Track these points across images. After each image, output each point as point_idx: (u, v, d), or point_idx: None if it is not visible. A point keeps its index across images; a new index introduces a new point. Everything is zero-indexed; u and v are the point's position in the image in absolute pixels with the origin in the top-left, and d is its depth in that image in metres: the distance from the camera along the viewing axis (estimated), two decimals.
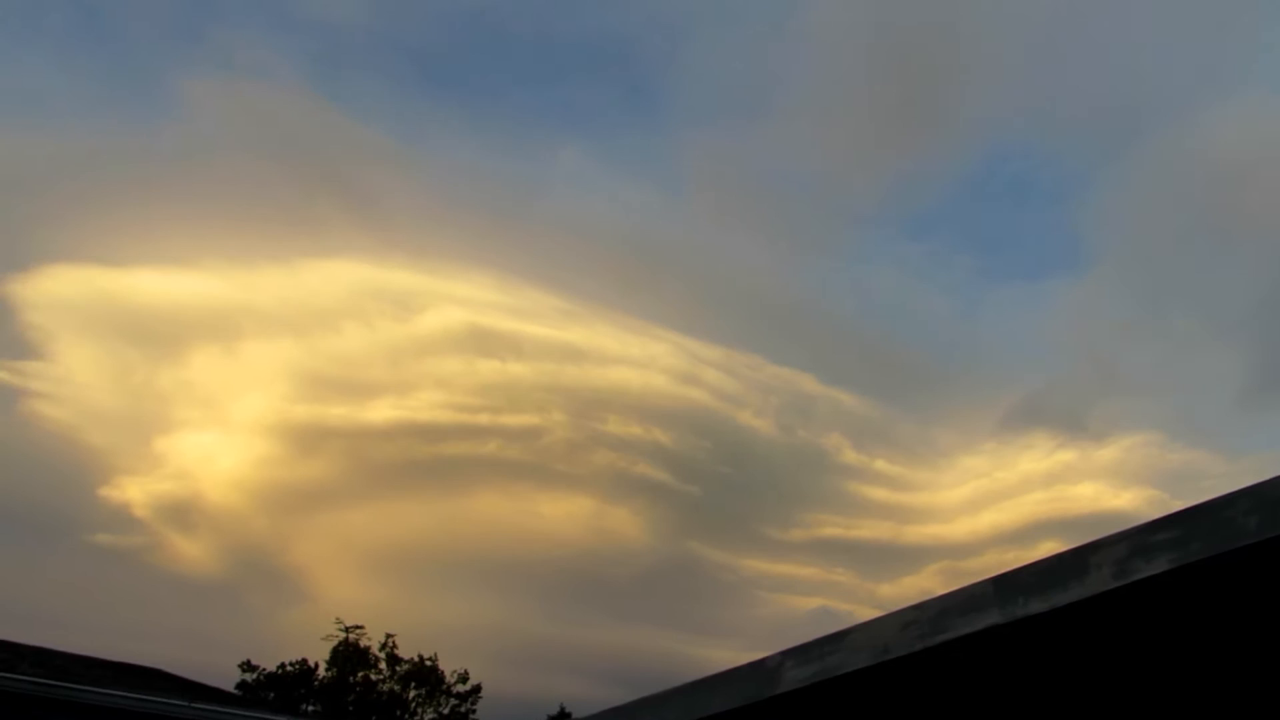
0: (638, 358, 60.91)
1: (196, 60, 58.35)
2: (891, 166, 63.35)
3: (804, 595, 60.82)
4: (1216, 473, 64.39)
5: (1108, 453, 63.09)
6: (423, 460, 56.38)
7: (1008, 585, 4.15)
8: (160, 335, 55.45)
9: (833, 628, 4.92)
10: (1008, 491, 62.68)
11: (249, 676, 34.94)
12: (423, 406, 56.34)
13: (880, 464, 64.41)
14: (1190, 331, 64.11)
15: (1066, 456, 63.38)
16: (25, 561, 48.26)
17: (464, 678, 39.08)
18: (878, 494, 63.44)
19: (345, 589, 51.08)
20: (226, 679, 34.98)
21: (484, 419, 56.75)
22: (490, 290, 60.09)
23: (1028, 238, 71.57)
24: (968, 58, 57.50)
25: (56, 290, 52.56)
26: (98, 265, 54.38)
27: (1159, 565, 3.73)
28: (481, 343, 58.63)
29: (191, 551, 52.34)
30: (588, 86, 65.87)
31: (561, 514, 58.81)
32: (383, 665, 37.27)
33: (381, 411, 55.91)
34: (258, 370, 56.88)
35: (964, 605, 4.28)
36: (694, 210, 68.48)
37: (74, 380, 52.95)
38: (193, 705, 16.58)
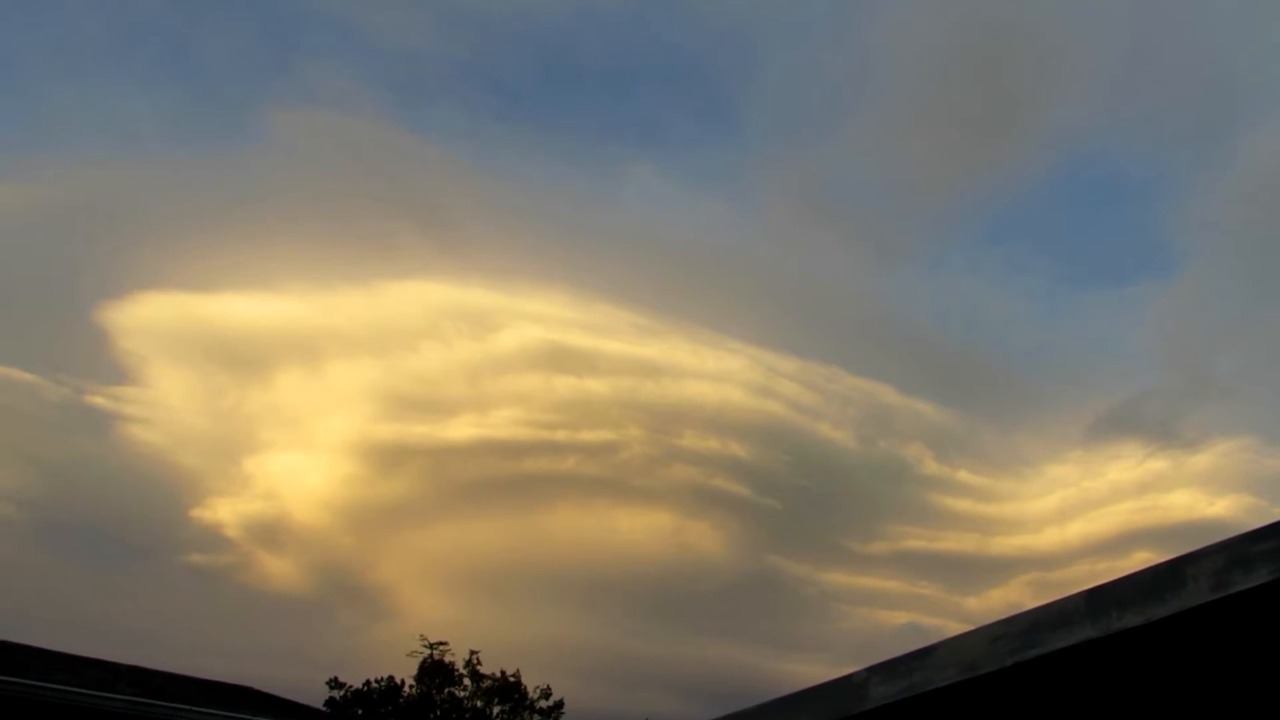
0: (714, 371, 60.80)
1: (280, 91, 60.34)
2: (970, 172, 62.42)
3: (889, 609, 59.83)
4: None
5: (1201, 460, 60.91)
6: (502, 477, 57.03)
7: (1101, 598, 4.06)
8: (247, 358, 57.14)
9: (921, 644, 4.84)
10: (1097, 501, 60.93)
11: (337, 694, 35.62)
12: (501, 424, 57.03)
13: (963, 474, 63.15)
14: None
15: (1158, 465, 61.38)
16: (122, 581, 50.04)
17: (547, 693, 39.29)
18: (961, 505, 62.22)
19: (429, 606, 51.86)
20: (315, 696, 35.73)
21: (562, 435, 57.21)
22: (566, 307, 60.64)
23: (1113, 241, 69.79)
24: (1048, 59, 56.40)
25: (148, 316, 54.57)
26: (187, 291, 56.34)
27: (1259, 576, 3.62)
28: (558, 360, 59.12)
29: (280, 570, 53.71)
30: (660, 102, 66.28)
31: (641, 529, 58.89)
32: (467, 681, 37.70)
33: (461, 429, 56.75)
34: (340, 391, 58.21)
35: (1056, 619, 4.19)
36: (768, 222, 68.29)
37: (166, 404, 54.82)
38: None
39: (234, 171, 58.41)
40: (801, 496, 61.79)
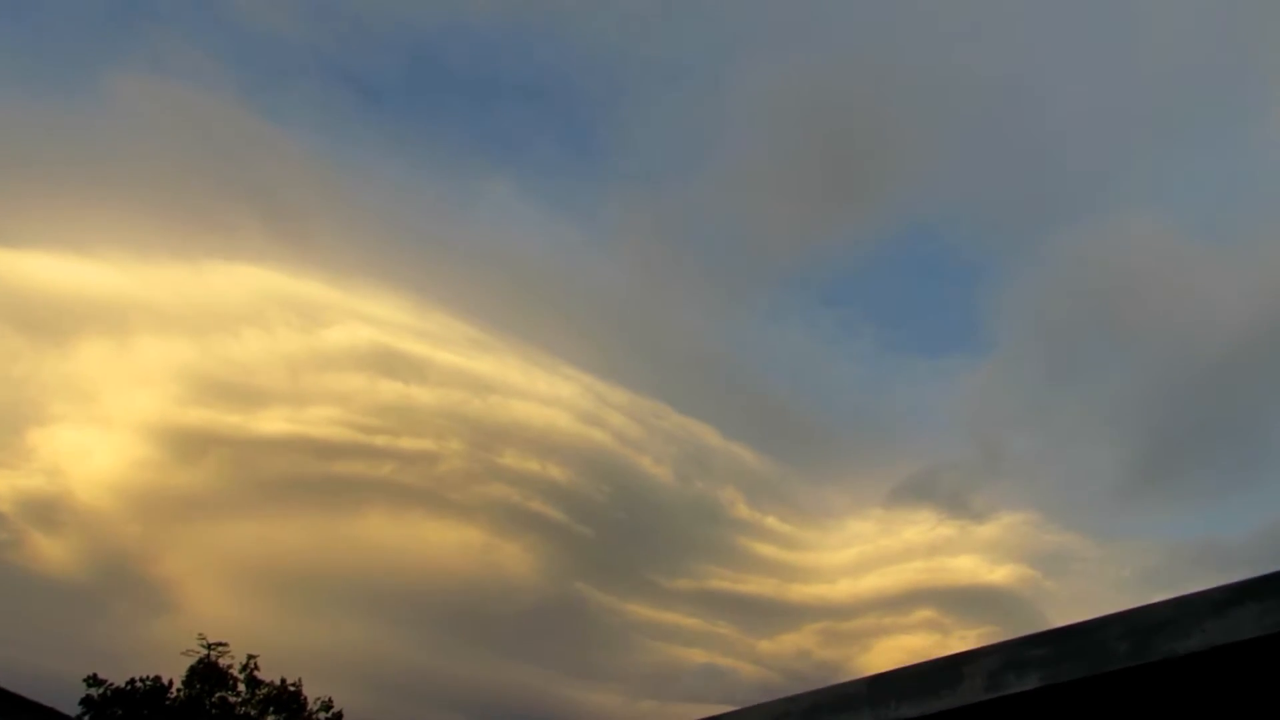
0: (543, 394, 60.62)
1: (125, 53, 56.89)
2: (814, 233, 64.90)
3: (686, 645, 60.68)
4: (1088, 555, 66.89)
5: (987, 530, 64.92)
6: (313, 477, 54.93)
7: (882, 686, 4.10)
8: (46, 322, 53.09)
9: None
10: (890, 558, 63.89)
11: (94, 691, 33.13)
12: (318, 422, 54.97)
13: (771, 521, 65.06)
14: (1075, 421, 66.70)
15: (948, 531, 64.99)
16: None
17: (327, 705, 37.70)
18: (766, 550, 64.00)
19: (215, 604, 49.13)
20: (75, 691, 33.18)
21: (380, 441, 55.64)
22: (402, 312, 59.27)
23: (934, 316, 73.99)
24: (896, 139, 59.40)
25: None
26: None
27: (1030, 681, 3.72)
28: (386, 364, 57.63)
29: (53, 552, 49.78)
30: (524, 120, 66.12)
31: (451, 544, 57.79)
32: (242, 687, 35.77)
33: (274, 423, 54.37)
34: (147, 368, 54.80)
35: (837, 703, 4.21)
36: (618, 254, 68.95)
37: None
38: None
39: (62, 127, 54.56)
40: (616, 527, 62.20)
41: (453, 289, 64.15)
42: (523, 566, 59.20)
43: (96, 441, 52.97)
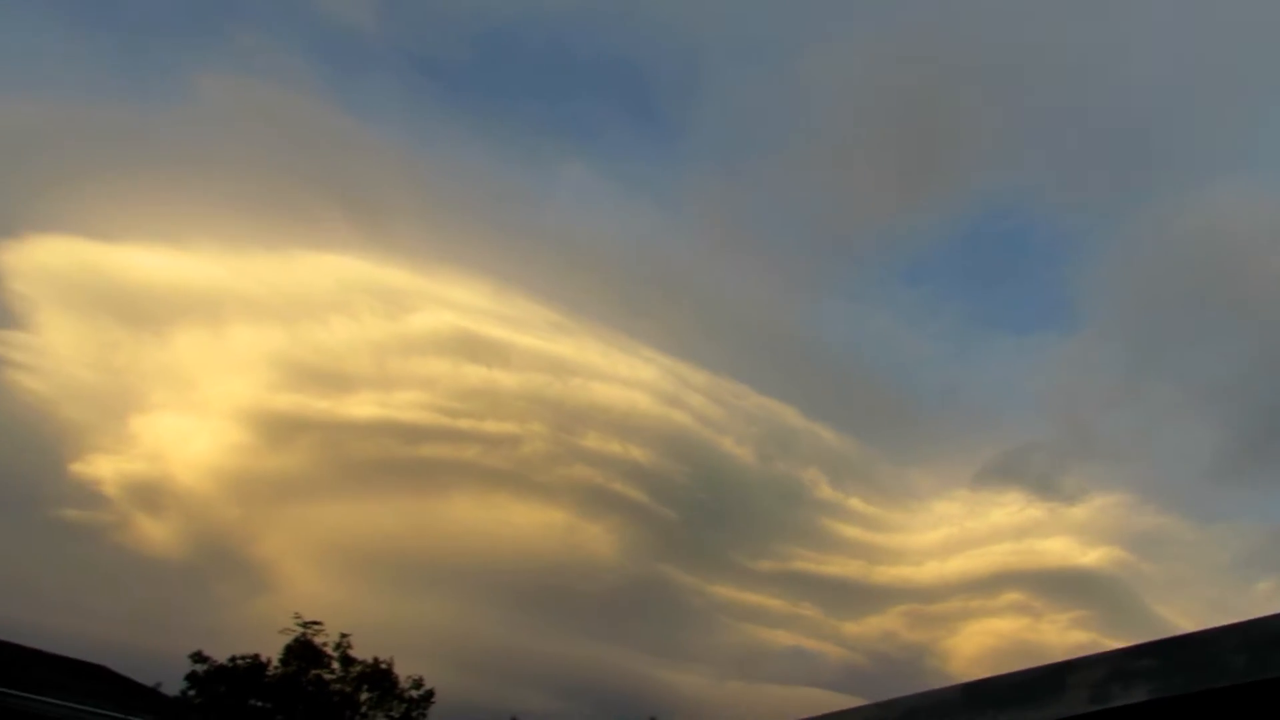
0: (624, 376, 60.76)
1: (211, 53, 58.44)
2: (894, 211, 63.65)
3: (771, 627, 60.50)
4: (1185, 538, 64.74)
5: (1079, 512, 63.17)
6: (400, 460, 56.02)
7: (978, 694, 3.97)
8: (145, 313, 55.00)
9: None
10: (977, 540, 62.68)
11: (199, 668, 34.42)
12: (405, 406, 56.02)
13: (855, 502, 64.30)
14: (1170, 400, 64.48)
15: (1037, 513, 63.45)
16: None
17: (418, 684, 38.61)
18: (850, 531, 63.32)
19: (309, 584, 50.57)
20: (179, 668, 34.52)
21: (465, 424, 56.45)
22: (483, 297, 59.92)
23: (1019, 293, 72.02)
24: (976, 111, 57.84)
25: (44, 260, 52.11)
26: (88, 238, 53.97)
27: (1139, 694, 3.56)
28: (470, 348, 58.36)
29: (157, 534, 51.74)
30: (599, 104, 66.06)
31: (535, 525, 58.48)
32: (336, 665, 36.81)
33: (362, 408, 55.57)
34: (240, 356, 56.45)
35: (931, 710, 4.10)
36: (695, 236, 68.60)
37: (55, 352, 52.41)
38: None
39: (154, 126, 56.33)
40: (698, 508, 62.18)
41: (532, 273, 64.65)
42: (606, 547, 59.64)
43: (194, 427, 54.84)
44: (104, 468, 50.00)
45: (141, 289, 54.66)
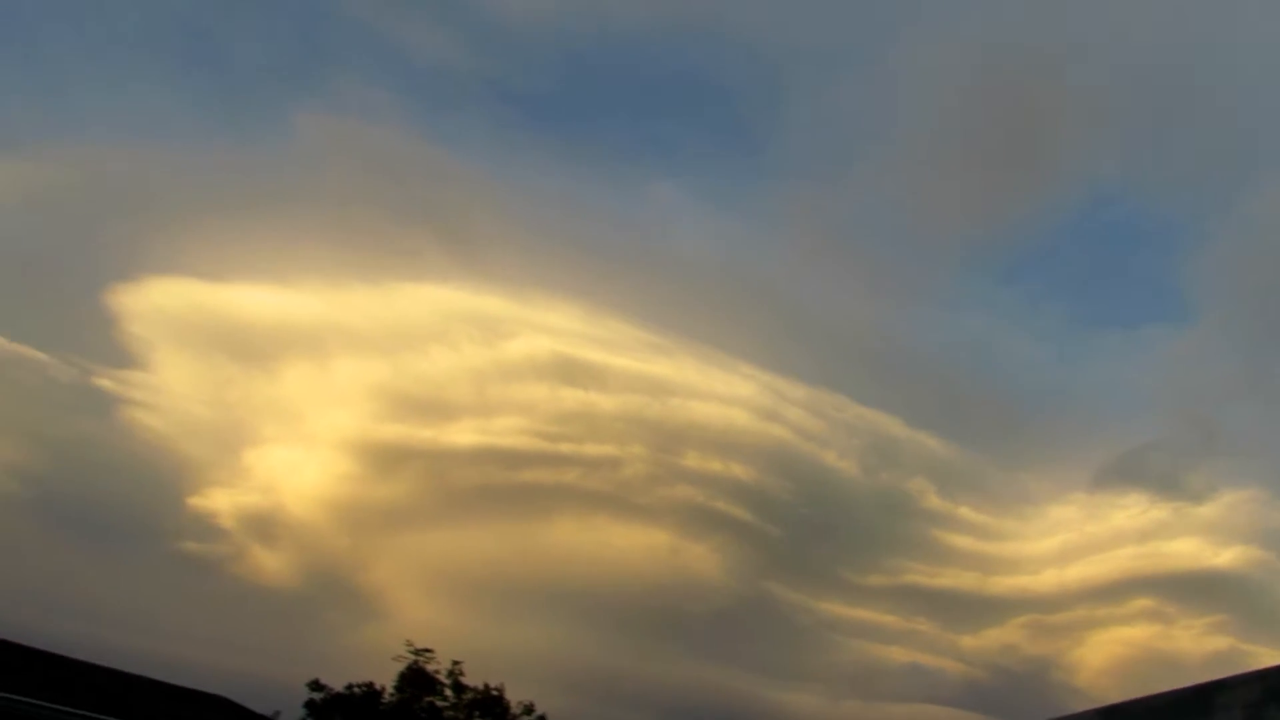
0: (721, 393, 60.43)
1: (308, 94, 60.68)
2: (988, 211, 62.10)
3: (885, 643, 59.20)
4: None
5: (1208, 510, 60.28)
6: (502, 486, 56.65)
7: (1118, 718, 3.65)
8: (254, 350, 56.96)
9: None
10: (1099, 545, 60.34)
11: (316, 696, 35.12)
12: (505, 432, 56.69)
13: (965, 511, 62.62)
14: None
15: (1161, 514, 60.80)
16: (115, 562, 49.70)
17: (530, 709, 38.65)
18: (962, 542, 61.66)
19: (419, 610, 51.37)
20: (296, 695, 35.27)
21: (565, 448, 56.82)
22: (577, 320, 60.39)
23: (1126, 286, 69.54)
24: (1070, 104, 56.11)
25: (159, 301, 54.42)
26: (199, 279, 56.21)
27: None
28: (566, 371, 58.81)
29: (272, 564, 53.33)
30: (683, 122, 66.24)
31: (638, 547, 58.40)
32: (448, 692, 37.13)
33: (464, 435, 56.43)
34: (345, 388, 57.95)
35: None
36: (785, 248, 68.06)
37: (171, 390, 54.64)
38: None
39: (255, 168, 58.61)
40: (802, 524, 61.31)
41: (625, 294, 64.88)
42: (711, 567, 59.18)
43: (304, 458, 56.43)
44: (220, 501, 51.84)
45: (250, 326, 56.68)
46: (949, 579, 60.12)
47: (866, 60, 57.54)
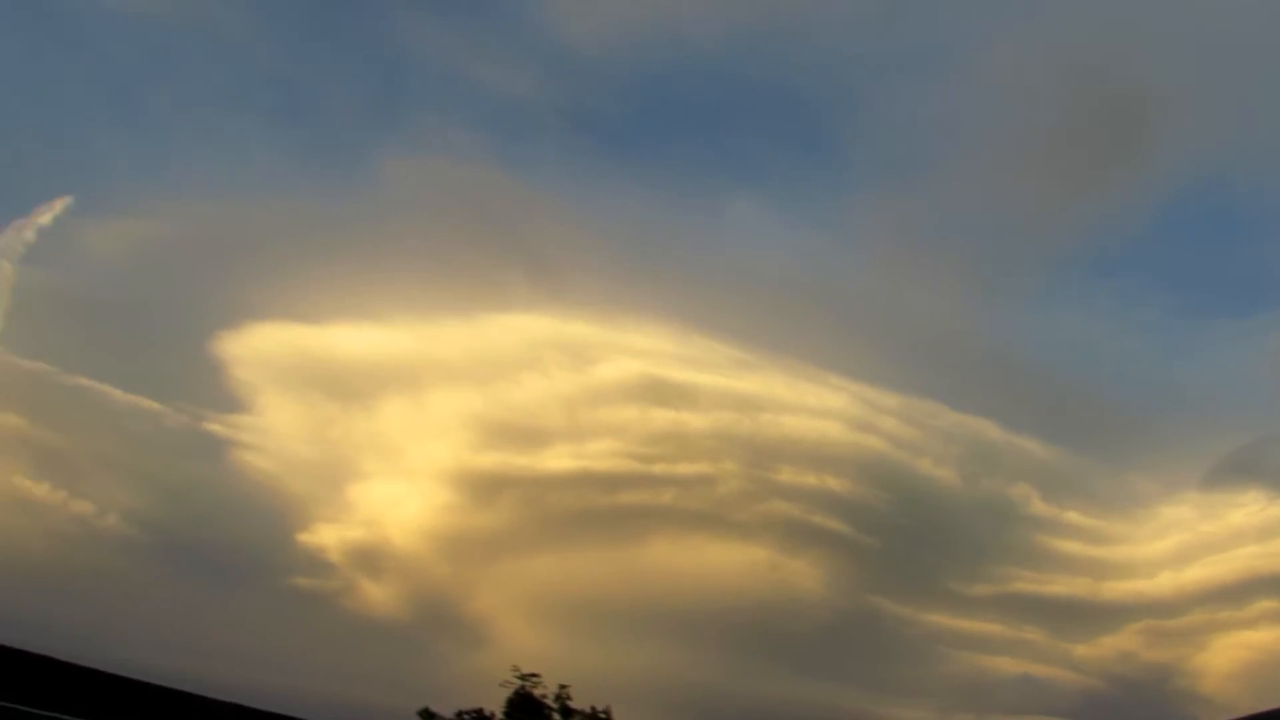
0: (812, 406, 60.03)
1: (391, 138, 62.72)
2: (1079, 205, 60.61)
3: (994, 654, 57.75)
4: None
5: None
6: (598, 509, 57.20)
7: None
8: (353, 387, 58.73)
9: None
10: (1216, 545, 57.95)
11: None
12: (599, 456, 57.25)
13: (1072, 515, 60.87)
14: None
15: None
16: (231, 600, 51.59)
17: None
18: (1070, 547, 59.94)
19: (523, 636, 52.11)
20: None
21: (658, 468, 57.11)
22: (664, 341, 60.76)
23: (1233, 273, 66.97)
24: (1161, 91, 54.52)
25: (261, 346, 56.61)
26: (297, 322, 58.29)
27: None
28: (656, 392, 59.16)
29: (379, 596, 54.76)
30: (759, 136, 66.29)
31: (737, 564, 58.23)
32: (556, 717, 37.47)
33: (559, 461, 57.17)
34: (441, 420, 59.28)
35: None
36: (869, 256, 67.46)
37: (276, 431, 56.69)
38: None
39: (345, 212, 60.78)
40: (902, 535, 60.35)
41: (710, 312, 65.06)
42: (811, 582, 58.65)
43: (405, 491, 57.86)
44: (327, 536, 53.51)
45: (348, 364, 58.49)
46: (1059, 585, 58.49)
47: (943, 62, 56.92)
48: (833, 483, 59.18)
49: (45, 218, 57.47)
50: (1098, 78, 52.64)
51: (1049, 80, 53.69)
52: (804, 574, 58.94)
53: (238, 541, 53.70)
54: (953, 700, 55.63)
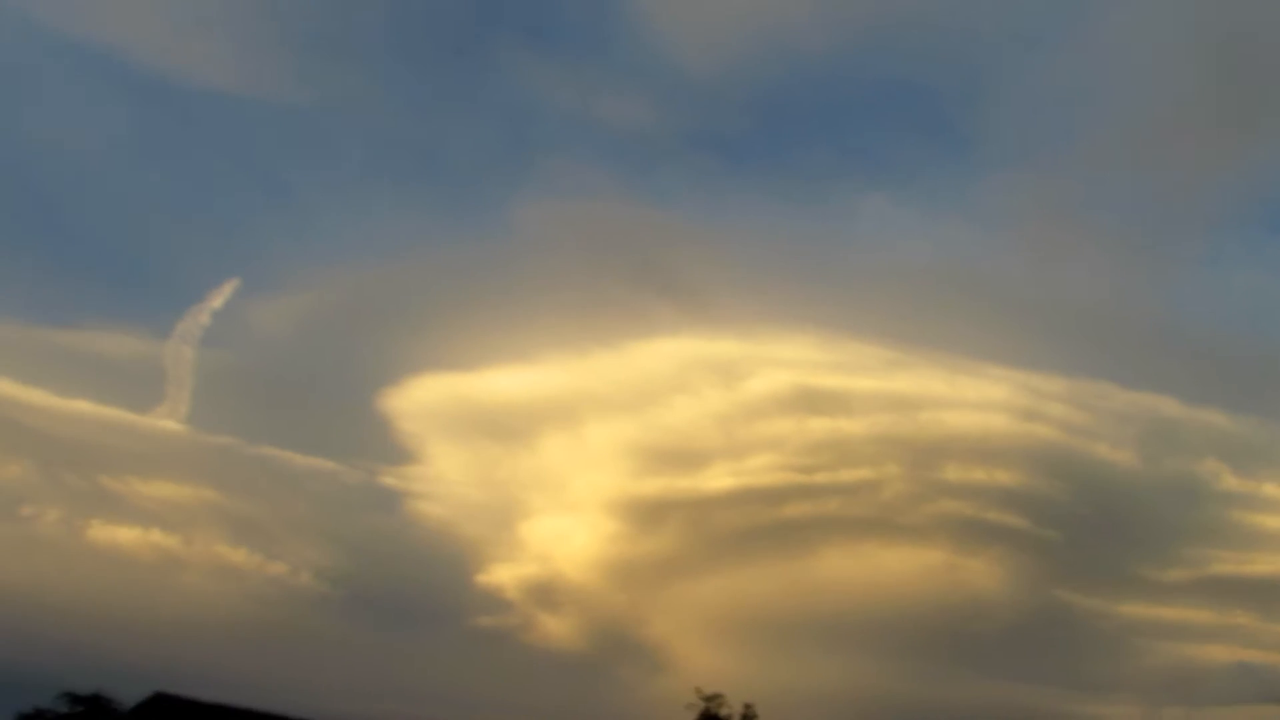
0: (972, 399, 58.60)
1: (523, 185, 65.25)
2: (1233, 164, 57.48)
3: (1200, 642, 54.78)
4: None
5: None
6: (764, 524, 57.15)
7: None
8: (513, 428, 60.82)
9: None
10: None
11: None
12: (759, 470, 57.28)
13: (1269, 488, 57.43)
14: None
15: None
16: (419, 645, 53.83)
17: None
18: (1271, 522, 56.47)
19: (702, 657, 52.39)
20: None
21: (820, 478, 56.73)
22: (812, 349, 60.51)
23: None
24: None
25: (423, 398, 59.32)
26: (454, 371, 60.88)
27: None
28: (809, 401, 58.91)
29: (558, 629, 56.15)
30: (885, 131, 65.56)
31: (911, 568, 57.12)
32: None
33: (719, 479, 57.48)
34: (600, 451, 60.59)
35: None
36: (1015, 240, 65.74)
37: (445, 478, 59.19)
38: None
39: (486, 260, 63.37)
40: (1083, 524, 58.05)
41: (855, 314, 64.54)
42: (992, 581, 56.92)
43: (572, 524, 59.25)
44: (503, 575, 55.34)
45: (505, 407, 60.60)
46: (1263, 564, 55.06)
47: (1071, 29, 54.90)
48: (1003, 477, 57.48)
49: (217, 301, 61.70)
50: (1236, 35, 49.75)
51: (1183, 41, 51.04)
52: (984, 573, 57.30)
53: (420, 588, 56.22)
54: (1159, 694, 52.91)
